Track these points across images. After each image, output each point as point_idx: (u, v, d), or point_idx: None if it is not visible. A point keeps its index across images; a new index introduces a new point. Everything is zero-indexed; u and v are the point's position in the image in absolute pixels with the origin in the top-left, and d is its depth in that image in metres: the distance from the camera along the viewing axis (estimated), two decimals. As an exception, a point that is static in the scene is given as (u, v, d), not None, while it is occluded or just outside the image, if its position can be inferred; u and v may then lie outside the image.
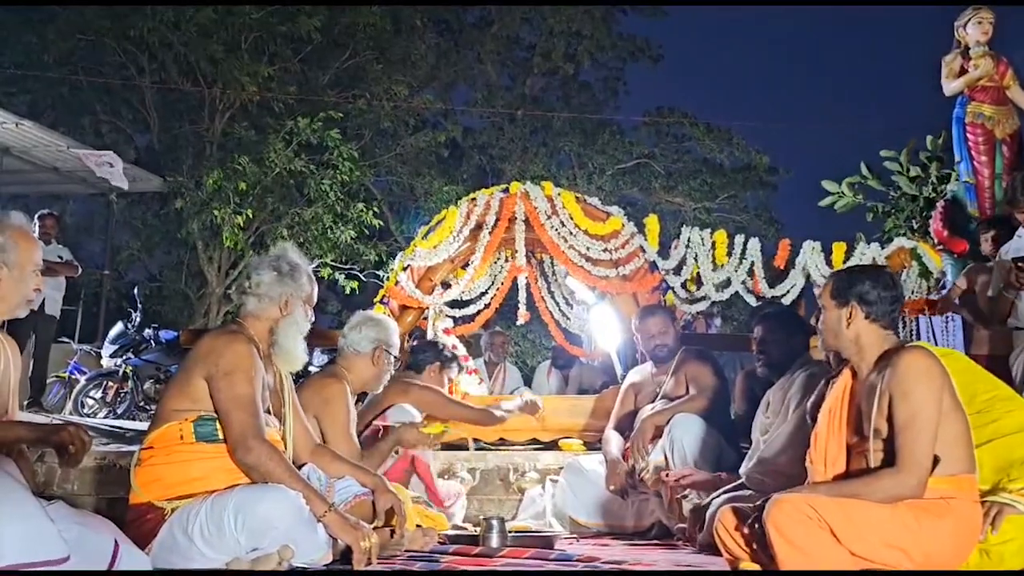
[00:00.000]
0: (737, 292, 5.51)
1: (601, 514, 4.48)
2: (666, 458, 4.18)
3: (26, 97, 13.00)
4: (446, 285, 5.71)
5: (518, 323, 5.91)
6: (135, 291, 9.61)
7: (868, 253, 5.59)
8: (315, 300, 3.20)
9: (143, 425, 6.32)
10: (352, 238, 11.94)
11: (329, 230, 11.68)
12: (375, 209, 12.30)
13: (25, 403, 7.45)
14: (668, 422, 4.25)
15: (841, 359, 2.78)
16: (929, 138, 8.41)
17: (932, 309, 5.61)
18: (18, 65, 12.42)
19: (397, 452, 3.90)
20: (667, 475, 3.96)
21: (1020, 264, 4.19)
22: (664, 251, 5.60)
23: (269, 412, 2.94)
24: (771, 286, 5.50)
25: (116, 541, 2.35)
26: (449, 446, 5.12)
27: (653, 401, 4.57)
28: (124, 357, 8.45)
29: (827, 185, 9.43)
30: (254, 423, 2.75)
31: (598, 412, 5.37)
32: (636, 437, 4.35)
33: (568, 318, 6.40)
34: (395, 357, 3.92)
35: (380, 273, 12.33)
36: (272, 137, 11.75)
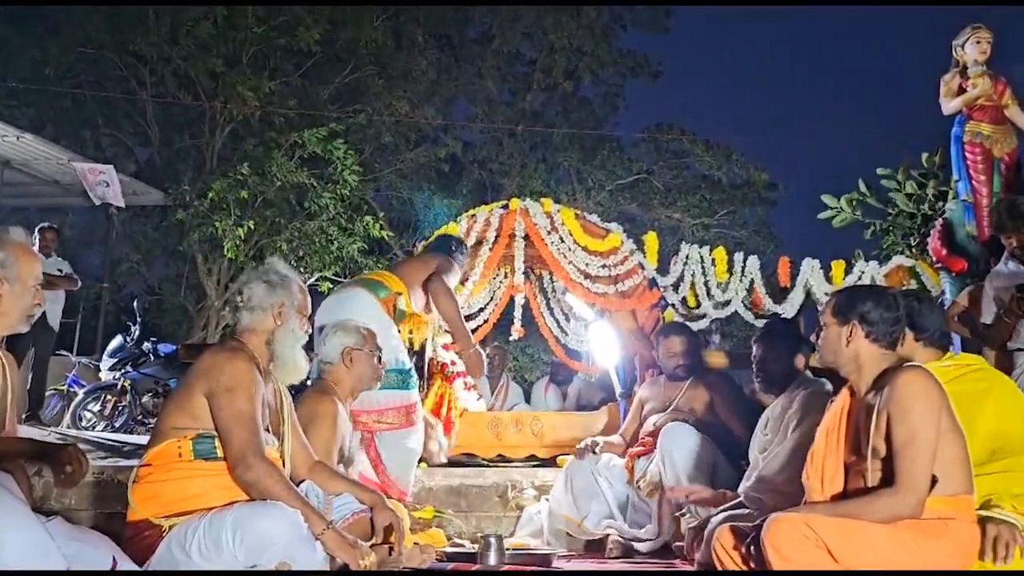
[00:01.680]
0: (736, 309, 5.53)
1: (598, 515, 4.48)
2: (660, 470, 4.18)
3: (28, 110, 13.01)
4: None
5: (512, 339, 5.92)
6: (134, 304, 9.59)
7: (867, 271, 5.62)
8: (308, 310, 3.18)
9: (141, 439, 6.31)
10: (358, 250, 11.96)
11: (335, 242, 11.68)
12: (380, 223, 12.32)
13: (23, 416, 7.44)
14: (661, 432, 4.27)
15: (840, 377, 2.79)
16: (925, 155, 8.43)
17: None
18: (21, 79, 12.46)
19: None
20: (672, 490, 3.94)
21: (1021, 294, 4.18)
22: (663, 267, 5.61)
23: (268, 430, 2.93)
24: (772, 303, 5.52)
25: (114, 558, 2.35)
26: (448, 462, 5.12)
27: (662, 412, 4.58)
28: (123, 370, 8.43)
29: (826, 199, 9.45)
30: (254, 440, 2.75)
31: (596, 428, 5.37)
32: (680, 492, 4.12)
33: (566, 334, 6.41)
34: (373, 348, 3.86)
35: (379, 288, 12.29)
36: (274, 150, 11.77)
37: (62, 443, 2.44)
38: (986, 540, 2.51)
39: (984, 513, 2.56)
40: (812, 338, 2.90)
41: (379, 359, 3.87)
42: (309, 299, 3.21)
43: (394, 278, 4.52)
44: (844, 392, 2.75)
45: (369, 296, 4.30)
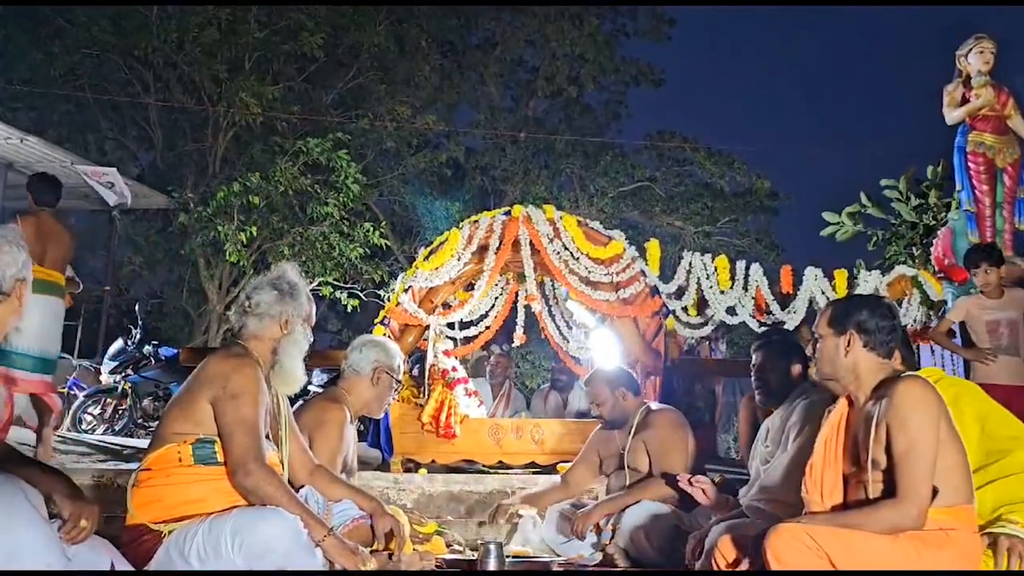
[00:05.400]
0: (743, 319, 5.52)
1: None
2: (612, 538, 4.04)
3: (32, 113, 13.03)
4: (447, 305, 5.70)
5: (514, 344, 5.90)
6: (136, 307, 9.57)
7: (869, 281, 5.61)
8: (314, 319, 3.22)
9: (141, 442, 6.30)
10: (358, 256, 11.95)
11: (336, 248, 11.68)
12: (381, 230, 12.31)
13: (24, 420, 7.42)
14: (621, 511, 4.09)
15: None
16: (930, 168, 8.45)
17: (925, 338, 5.62)
18: (25, 81, 12.47)
19: None
20: (689, 479, 3.87)
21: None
22: (665, 275, 5.60)
23: (268, 436, 2.93)
24: (775, 311, 5.51)
25: (112, 563, 2.34)
26: (449, 468, 5.11)
27: (620, 469, 4.38)
28: (123, 374, 8.43)
29: (828, 216, 9.48)
30: (255, 446, 2.75)
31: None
32: (583, 519, 4.09)
33: (568, 340, 6.39)
34: (397, 380, 3.91)
35: (381, 292, 12.32)
36: (278, 156, 11.78)
37: (83, 500, 2.25)
38: (999, 554, 2.51)
39: (995, 530, 2.56)
40: (808, 351, 2.88)
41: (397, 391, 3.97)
42: (314, 308, 3.22)
43: None
44: (842, 402, 2.74)
45: None
